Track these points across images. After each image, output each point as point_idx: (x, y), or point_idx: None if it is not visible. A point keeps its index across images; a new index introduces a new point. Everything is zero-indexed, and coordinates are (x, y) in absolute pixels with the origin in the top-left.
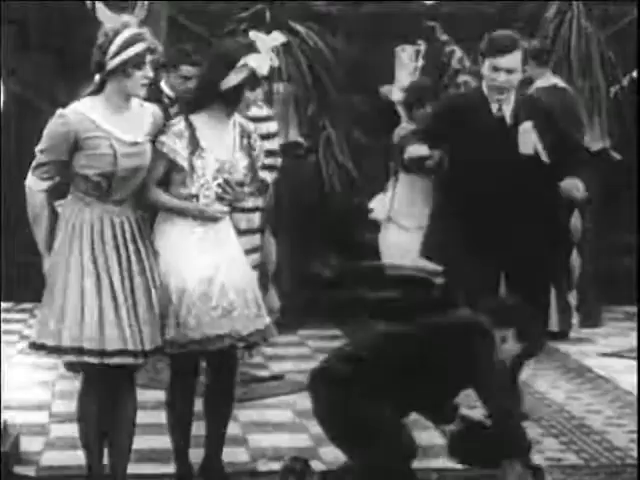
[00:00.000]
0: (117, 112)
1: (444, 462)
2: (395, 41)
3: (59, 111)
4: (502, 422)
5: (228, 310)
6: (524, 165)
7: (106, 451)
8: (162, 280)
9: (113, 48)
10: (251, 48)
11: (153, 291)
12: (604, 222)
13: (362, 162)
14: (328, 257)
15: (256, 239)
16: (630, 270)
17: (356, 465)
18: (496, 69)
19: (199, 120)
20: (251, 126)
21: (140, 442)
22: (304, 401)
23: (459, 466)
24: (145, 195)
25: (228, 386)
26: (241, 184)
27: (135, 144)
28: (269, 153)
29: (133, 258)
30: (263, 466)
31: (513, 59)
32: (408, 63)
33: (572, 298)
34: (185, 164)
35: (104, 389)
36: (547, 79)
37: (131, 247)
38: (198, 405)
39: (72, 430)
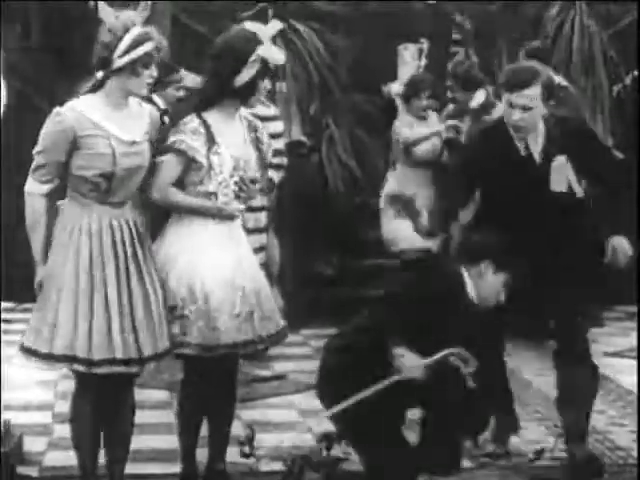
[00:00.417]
0: (116, 110)
1: None
2: (398, 40)
3: (56, 109)
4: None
5: (250, 313)
6: (557, 205)
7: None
8: (184, 282)
9: (122, 46)
10: (256, 39)
11: (152, 297)
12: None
13: (365, 161)
14: (331, 256)
15: (263, 238)
16: (630, 270)
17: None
18: (511, 105)
19: (211, 117)
20: (257, 120)
21: (140, 442)
22: (307, 401)
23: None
24: (161, 196)
25: (230, 387)
26: (254, 181)
27: (134, 143)
28: (276, 152)
29: (131, 263)
30: (265, 466)
31: (528, 95)
32: (411, 61)
33: None
34: (204, 161)
35: (99, 393)
36: None
37: (129, 251)
38: None
39: None
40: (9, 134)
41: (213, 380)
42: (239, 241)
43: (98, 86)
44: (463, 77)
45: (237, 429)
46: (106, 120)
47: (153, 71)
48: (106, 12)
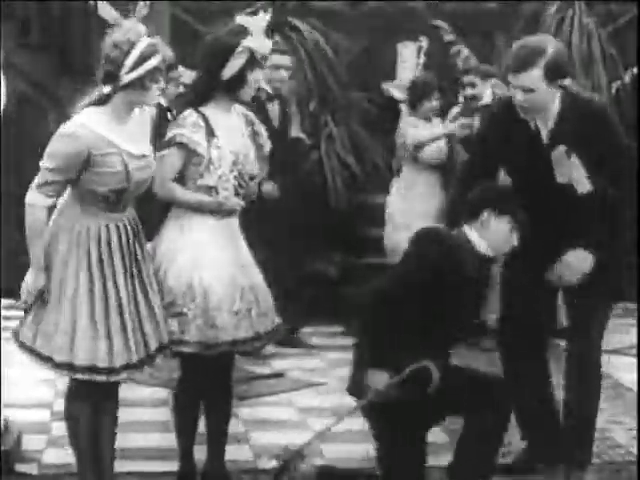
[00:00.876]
0: (122, 123)
1: (446, 460)
2: (397, 38)
3: (69, 129)
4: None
5: (248, 310)
6: (562, 194)
7: None
8: (183, 279)
9: (130, 62)
10: (245, 31)
11: (151, 294)
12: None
13: (364, 158)
14: (332, 254)
15: None
16: (630, 267)
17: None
18: (514, 86)
19: (208, 111)
20: (252, 114)
21: (138, 439)
22: (305, 398)
23: None
24: (161, 192)
25: (226, 383)
26: (252, 177)
27: (143, 157)
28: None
29: (134, 262)
30: (265, 464)
31: (527, 78)
32: (410, 59)
33: None
34: (205, 154)
35: (97, 392)
36: None
37: (132, 251)
38: None
39: None
40: (9, 132)
41: (210, 377)
42: (237, 237)
43: (104, 100)
44: (476, 70)
45: (235, 427)
46: (116, 135)
47: (161, 83)
48: (105, 11)
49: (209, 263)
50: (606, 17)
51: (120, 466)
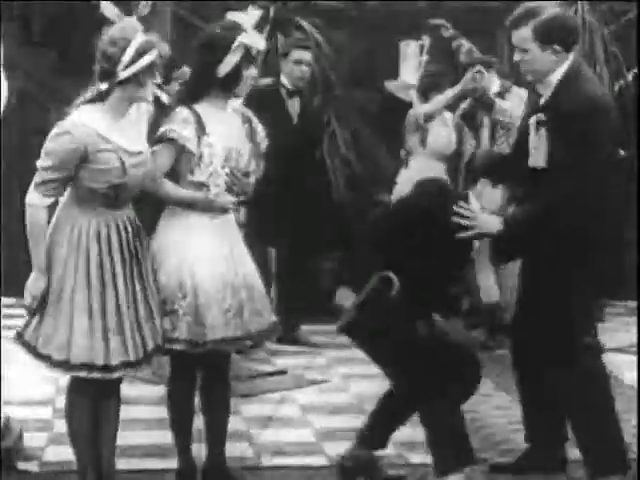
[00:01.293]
0: (119, 120)
1: None
2: (400, 36)
3: (64, 127)
4: None
5: (239, 309)
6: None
7: None
8: (174, 276)
9: (126, 58)
10: (238, 27)
11: (149, 291)
12: None
13: (366, 157)
14: (332, 252)
15: None
16: (631, 266)
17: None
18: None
19: (201, 108)
20: (249, 112)
21: (142, 437)
22: (308, 396)
23: None
24: (153, 188)
25: (222, 381)
26: (247, 174)
27: (140, 153)
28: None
29: (134, 260)
30: (267, 461)
31: (518, 36)
32: (412, 58)
33: None
34: (195, 150)
35: (97, 389)
36: None
37: (132, 249)
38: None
39: None
40: (11, 130)
41: (204, 374)
42: (231, 235)
43: (101, 97)
44: (480, 60)
45: (238, 424)
46: (113, 132)
47: (157, 79)
48: (108, 9)
49: (200, 261)
50: (609, 15)
51: (121, 463)
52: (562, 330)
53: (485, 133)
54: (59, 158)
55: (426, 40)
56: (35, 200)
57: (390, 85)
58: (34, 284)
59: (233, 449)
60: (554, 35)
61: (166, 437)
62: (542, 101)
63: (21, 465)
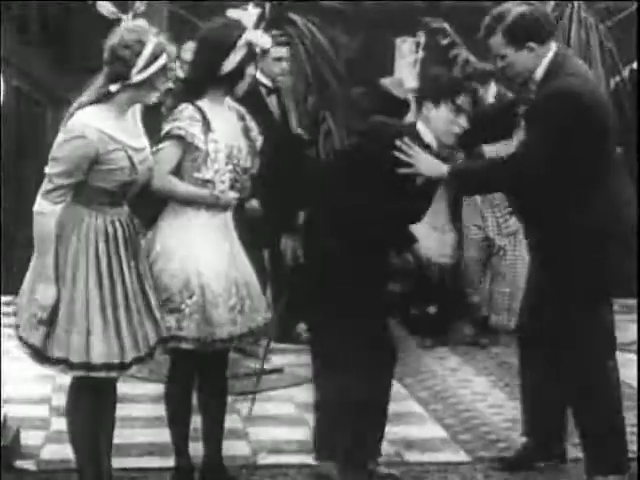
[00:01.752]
0: (122, 118)
1: (444, 456)
2: (396, 33)
3: (75, 131)
4: None
5: (241, 306)
6: None
7: None
8: (180, 276)
9: (141, 62)
10: (240, 25)
11: (147, 287)
12: None
13: None
14: None
15: None
16: (630, 264)
17: None
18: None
19: (203, 105)
20: (242, 108)
21: (140, 436)
22: (304, 394)
23: (460, 460)
24: (160, 184)
25: (219, 378)
26: (245, 171)
27: (144, 149)
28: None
29: (131, 258)
30: (263, 459)
31: (492, 45)
32: (408, 55)
33: None
34: (203, 147)
35: (100, 387)
36: None
37: (131, 247)
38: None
39: None
40: (9, 129)
41: (202, 371)
42: (231, 232)
43: (107, 97)
44: (475, 74)
45: (235, 423)
46: (119, 131)
47: (169, 82)
48: (104, 7)
49: (205, 259)
50: (605, 12)
51: (118, 462)
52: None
53: None
54: (73, 163)
55: (422, 37)
56: (46, 208)
57: (386, 82)
58: (44, 294)
59: (229, 447)
60: (524, 34)
61: (163, 435)
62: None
63: (18, 463)
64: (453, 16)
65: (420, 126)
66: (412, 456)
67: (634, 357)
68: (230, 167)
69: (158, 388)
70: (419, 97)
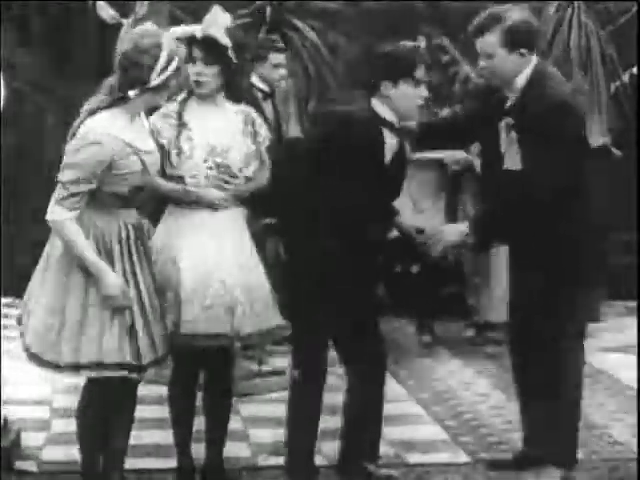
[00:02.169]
0: (133, 122)
1: (444, 457)
2: (395, 37)
3: (90, 138)
4: None
5: (230, 307)
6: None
7: None
8: (165, 273)
9: (159, 66)
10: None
11: (152, 289)
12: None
13: None
14: None
15: None
16: (630, 266)
17: None
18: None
19: (188, 103)
20: (253, 112)
21: (143, 437)
22: None
23: (461, 461)
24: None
25: (225, 383)
26: (234, 175)
27: (153, 151)
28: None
29: (144, 259)
30: (263, 461)
31: (484, 43)
32: None
33: None
34: (165, 142)
35: (108, 394)
36: None
37: (142, 248)
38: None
39: (73, 425)
40: (8, 132)
41: (206, 372)
42: (229, 235)
43: (122, 102)
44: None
45: (237, 424)
46: (131, 135)
47: (179, 83)
48: (104, 10)
49: (185, 258)
50: (605, 17)
51: None
52: (548, 325)
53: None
54: (89, 170)
55: (422, 41)
56: (62, 215)
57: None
58: (113, 284)
59: (230, 449)
60: (521, 40)
61: (166, 437)
62: (509, 103)
63: (19, 465)
64: (452, 18)
65: (377, 105)
66: (413, 457)
67: (634, 358)
68: (210, 164)
69: (160, 390)
70: (375, 79)
